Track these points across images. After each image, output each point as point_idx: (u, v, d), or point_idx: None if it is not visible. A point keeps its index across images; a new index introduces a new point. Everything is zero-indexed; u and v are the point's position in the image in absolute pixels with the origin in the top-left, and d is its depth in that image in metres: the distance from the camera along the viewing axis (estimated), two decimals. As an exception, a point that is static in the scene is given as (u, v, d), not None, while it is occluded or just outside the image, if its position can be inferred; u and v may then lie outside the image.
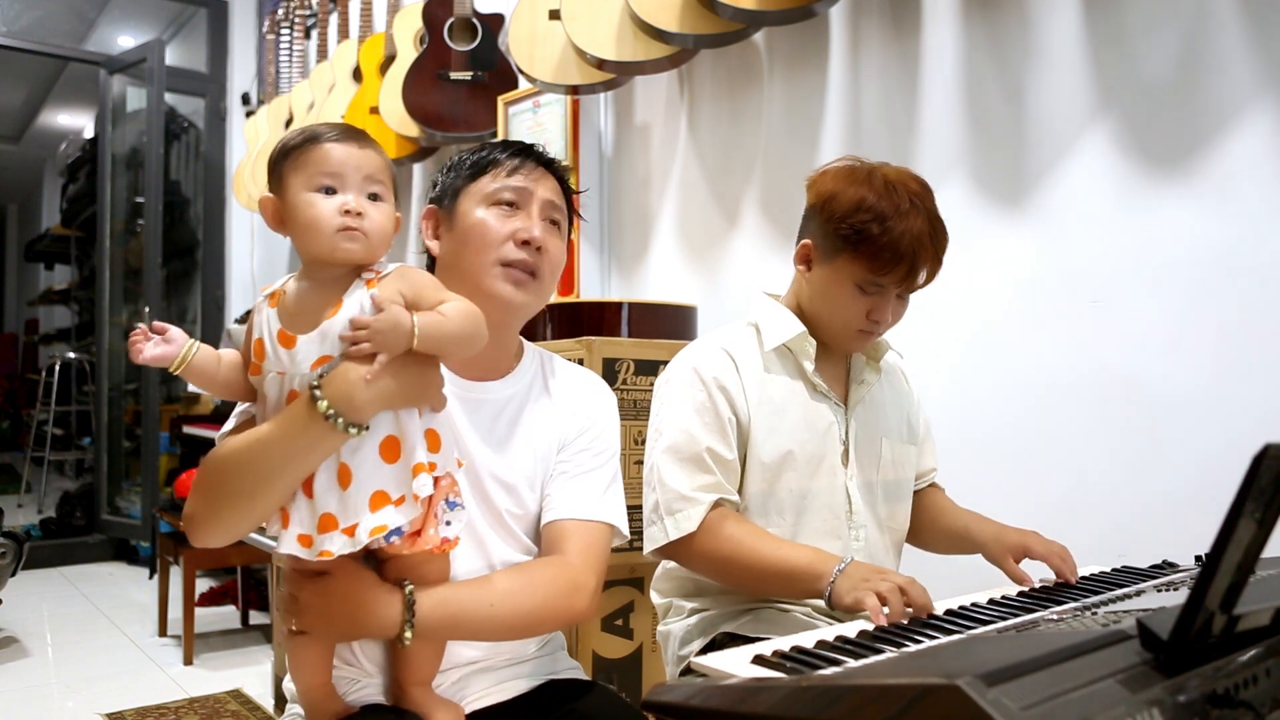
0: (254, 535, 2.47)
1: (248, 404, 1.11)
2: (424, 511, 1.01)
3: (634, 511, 1.41)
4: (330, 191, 1.01)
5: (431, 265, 1.26)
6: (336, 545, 0.98)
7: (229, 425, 1.12)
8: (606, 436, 1.28)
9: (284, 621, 1.09)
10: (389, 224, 1.04)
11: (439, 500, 1.03)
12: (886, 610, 1.07)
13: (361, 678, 1.14)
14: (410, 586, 1.05)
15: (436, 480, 1.02)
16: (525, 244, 1.18)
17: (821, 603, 1.30)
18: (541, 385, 1.27)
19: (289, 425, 0.98)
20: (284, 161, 1.04)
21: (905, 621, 1.06)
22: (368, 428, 0.98)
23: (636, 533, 1.41)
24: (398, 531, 1.00)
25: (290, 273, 1.08)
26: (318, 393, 0.96)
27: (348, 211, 1.00)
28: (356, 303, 1.00)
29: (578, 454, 1.24)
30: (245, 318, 4.64)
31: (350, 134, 1.04)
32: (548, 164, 1.25)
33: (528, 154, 1.24)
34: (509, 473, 1.19)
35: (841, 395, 1.45)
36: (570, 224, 1.29)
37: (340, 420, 0.96)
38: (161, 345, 1.02)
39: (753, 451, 1.37)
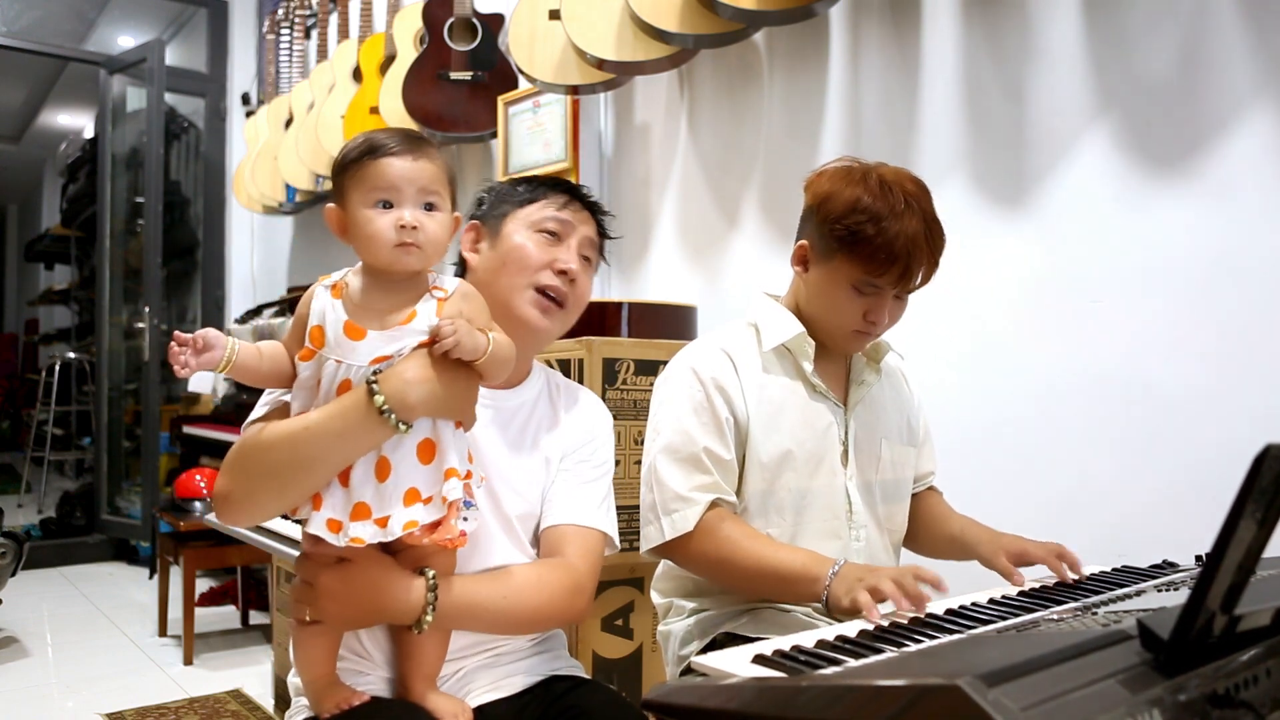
0: (253, 535, 2.47)
1: (278, 393, 1.15)
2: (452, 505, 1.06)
3: (636, 512, 1.41)
4: (388, 205, 1.06)
5: (462, 273, 1.31)
6: (368, 533, 1.03)
7: (259, 412, 1.16)
8: (604, 452, 1.33)
9: (296, 612, 1.11)
10: (444, 232, 1.10)
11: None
12: (888, 606, 1.08)
13: (368, 669, 1.17)
14: (432, 573, 1.09)
15: (466, 485, 1.07)
16: (561, 274, 1.25)
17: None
18: (548, 397, 1.33)
19: (342, 414, 1.03)
20: (343, 175, 1.09)
21: (907, 608, 1.07)
22: (412, 426, 1.04)
23: (638, 533, 1.41)
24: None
25: (345, 268, 1.12)
26: (375, 387, 1.02)
27: (403, 226, 1.05)
28: (430, 313, 1.07)
29: (579, 464, 1.29)
30: (246, 317, 4.66)
31: (408, 144, 1.08)
32: (591, 207, 1.33)
33: (575, 193, 1.31)
34: (519, 475, 1.24)
35: (841, 395, 1.45)
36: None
37: (393, 416, 1.02)
38: (204, 354, 1.05)
39: (752, 451, 1.37)
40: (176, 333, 1.06)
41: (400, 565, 1.10)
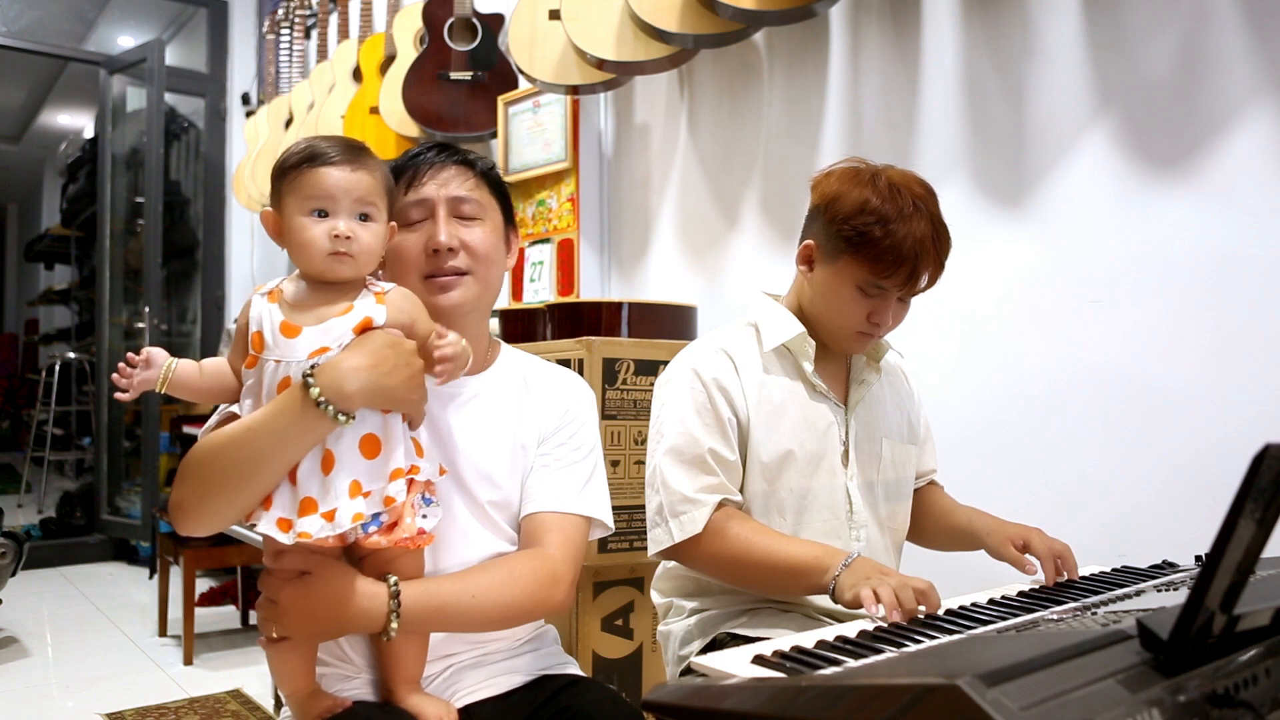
0: (254, 534, 2.47)
1: (233, 407, 1.14)
2: (400, 506, 1.05)
3: (637, 511, 1.41)
4: (323, 214, 1.06)
5: None
6: (314, 527, 1.01)
7: (211, 422, 1.15)
8: (585, 432, 1.30)
9: (263, 629, 1.09)
10: (377, 243, 1.09)
11: (414, 494, 1.07)
12: (881, 609, 1.08)
13: (353, 673, 1.16)
14: (394, 579, 1.07)
15: (410, 482, 1.06)
16: (436, 252, 1.19)
17: (822, 603, 1.30)
18: (521, 382, 1.29)
19: (280, 411, 1.01)
20: (281, 180, 1.08)
21: (904, 621, 1.07)
22: (354, 417, 1.03)
23: (638, 533, 1.41)
24: (376, 521, 1.03)
25: (286, 275, 1.13)
26: (310, 380, 1.01)
27: (337, 236, 1.05)
28: (366, 309, 1.06)
29: (556, 448, 1.26)
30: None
31: (347, 154, 1.07)
32: (449, 158, 1.24)
33: (426, 158, 1.23)
34: (488, 463, 1.21)
35: (841, 395, 1.45)
36: (506, 202, 1.28)
37: (331, 407, 1.00)
38: (144, 372, 1.09)
39: (752, 451, 1.37)
40: (128, 354, 1.09)
41: (364, 573, 1.08)
